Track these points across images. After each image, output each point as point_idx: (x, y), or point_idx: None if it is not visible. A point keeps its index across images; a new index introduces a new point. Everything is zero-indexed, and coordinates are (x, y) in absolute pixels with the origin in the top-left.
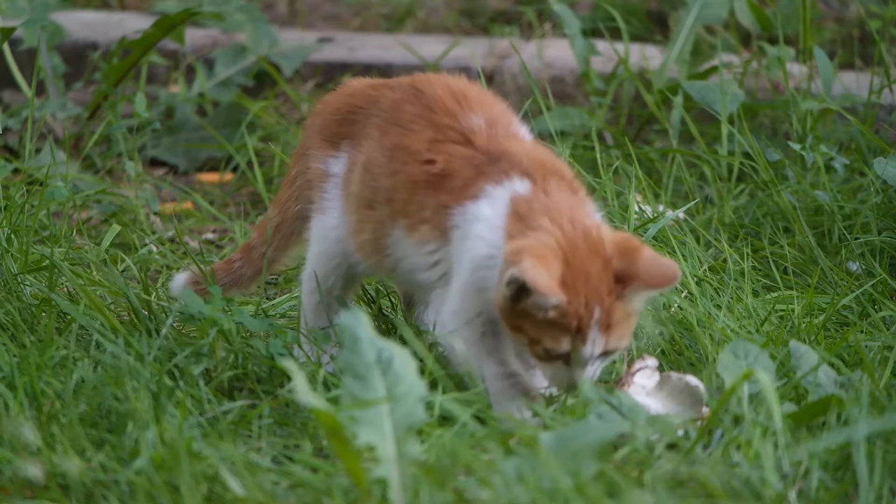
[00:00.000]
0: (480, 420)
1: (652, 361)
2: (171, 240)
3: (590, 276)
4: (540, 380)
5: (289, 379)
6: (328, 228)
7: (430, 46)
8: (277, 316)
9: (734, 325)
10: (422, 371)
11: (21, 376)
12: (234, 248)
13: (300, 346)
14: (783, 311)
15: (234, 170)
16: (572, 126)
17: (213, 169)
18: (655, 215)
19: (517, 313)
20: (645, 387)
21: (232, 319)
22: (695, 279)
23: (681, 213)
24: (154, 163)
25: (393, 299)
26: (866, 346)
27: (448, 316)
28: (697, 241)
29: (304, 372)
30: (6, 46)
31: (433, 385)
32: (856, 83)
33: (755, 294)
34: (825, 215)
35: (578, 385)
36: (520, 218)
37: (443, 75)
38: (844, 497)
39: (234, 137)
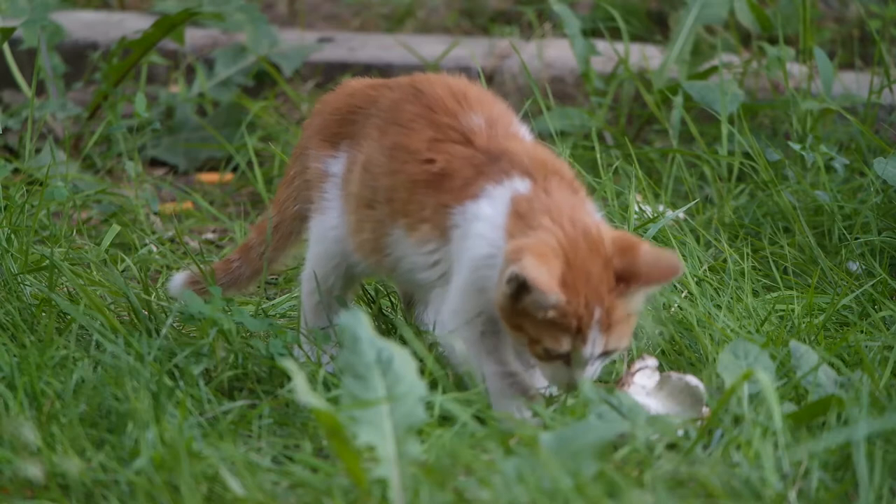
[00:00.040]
0: (480, 420)
1: (652, 361)
2: (171, 240)
3: (590, 275)
4: (540, 379)
5: (289, 379)
6: (327, 228)
7: (430, 46)
8: (277, 316)
9: (734, 325)
10: (422, 371)
11: (21, 376)
12: (234, 248)
13: (300, 346)
14: (783, 311)
15: (234, 170)
16: (572, 126)
17: (213, 169)
18: (655, 215)
19: (517, 312)
20: (645, 387)
21: (232, 319)
22: (695, 279)
23: (681, 213)
24: (154, 163)
25: (393, 299)
26: (866, 346)
27: (448, 315)
28: (697, 241)
29: (304, 372)
30: (6, 46)
31: (433, 385)
32: (856, 83)
33: (755, 294)
34: (825, 215)
35: (578, 385)
36: (520, 217)
37: (443, 75)
38: (844, 497)
39: (234, 137)
